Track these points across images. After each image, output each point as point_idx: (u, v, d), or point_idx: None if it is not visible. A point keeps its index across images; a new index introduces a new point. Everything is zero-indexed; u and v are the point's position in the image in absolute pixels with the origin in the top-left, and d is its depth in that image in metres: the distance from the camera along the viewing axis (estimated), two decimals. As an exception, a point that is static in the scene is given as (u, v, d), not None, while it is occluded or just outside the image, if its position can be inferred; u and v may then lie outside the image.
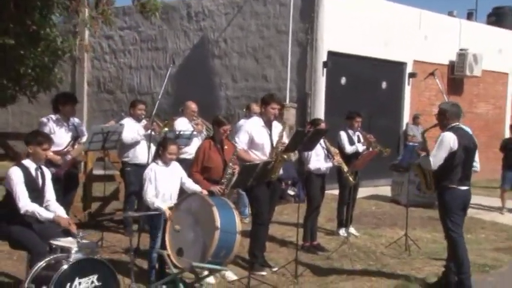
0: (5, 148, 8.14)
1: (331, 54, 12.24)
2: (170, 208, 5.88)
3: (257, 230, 6.64)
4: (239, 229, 5.73)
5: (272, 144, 6.71)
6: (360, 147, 8.44)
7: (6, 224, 5.23)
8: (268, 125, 6.78)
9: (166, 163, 5.99)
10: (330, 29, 12.13)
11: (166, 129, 7.84)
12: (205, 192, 5.95)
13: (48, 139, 5.46)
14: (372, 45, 12.84)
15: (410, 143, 11.87)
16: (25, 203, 5.15)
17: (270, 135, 6.76)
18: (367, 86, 13.06)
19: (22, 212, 5.14)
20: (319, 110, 12.12)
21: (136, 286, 5.60)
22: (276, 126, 6.86)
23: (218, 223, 5.51)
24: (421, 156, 6.12)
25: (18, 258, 6.37)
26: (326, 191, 8.05)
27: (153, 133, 7.55)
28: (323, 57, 12.16)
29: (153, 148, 6.94)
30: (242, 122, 8.19)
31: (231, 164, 6.31)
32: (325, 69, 12.20)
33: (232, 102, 12.88)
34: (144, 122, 7.89)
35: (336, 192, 8.70)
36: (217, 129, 6.44)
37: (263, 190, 6.57)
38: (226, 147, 6.46)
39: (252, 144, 6.69)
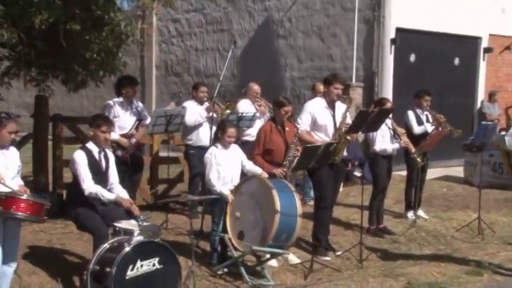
0: (75, 132, 8.33)
1: (399, 30, 11.76)
2: (230, 191, 5.83)
3: (320, 213, 6.48)
4: (300, 212, 5.65)
5: (335, 125, 6.50)
6: (429, 127, 8.05)
7: (73, 206, 5.34)
8: (331, 105, 6.57)
9: (226, 146, 5.93)
10: (398, 5, 11.65)
11: (228, 111, 7.78)
12: (265, 174, 5.87)
13: (106, 121, 5.51)
14: (443, 19, 12.23)
15: (486, 122, 11.26)
16: (89, 185, 5.23)
17: (333, 116, 6.54)
18: (438, 63, 12.48)
19: (86, 193, 5.22)
20: (387, 89, 11.71)
21: (198, 268, 5.60)
22: (339, 106, 6.64)
23: (278, 206, 5.45)
24: (498, 135, 5.75)
25: (87, 240, 6.50)
26: (394, 172, 7.80)
27: (214, 115, 7.51)
28: (391, 34, 11.71)
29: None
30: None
31: (292, 146, 6.18)
32: (393, 46, 11.75)
33: (297, 82, 12.67)
34: (206, 104, 7.85)
35: (404, 173, 8.37)
36: (278, 110, 6.31)
37: (326, 172, 6.39)
38: (287, 128, 6.34)
39: (314, 125, 6.51)
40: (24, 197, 4.52)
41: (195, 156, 7.70)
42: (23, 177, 5.11)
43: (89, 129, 5.41)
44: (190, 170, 7.92)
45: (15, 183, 4.72)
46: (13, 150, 4.85)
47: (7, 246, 4.66)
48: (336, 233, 7.32)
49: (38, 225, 6.82)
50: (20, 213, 4.44)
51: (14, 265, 4.81)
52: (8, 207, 4.41)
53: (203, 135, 7.73)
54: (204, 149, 7.43)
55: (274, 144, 6.23)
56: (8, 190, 4.51)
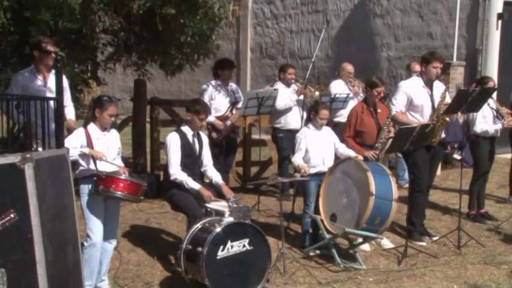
0: (171, 115, 8.62)
1: (507, 4, 11.07)
2: (322, 174, 5.79)
3: (415, 197, 6.30)
4: (396, 196, 5.55)
5: (433, 105, 6.26)
6: (538, 107, 7.55)
7: (168, 187, 5.51)
8: (429, 85, 6.33)
9: (318, 127, 5.91)
10: (506, -24, 10.95)
11: (317, 93, 7.71)
12: (361, 157, 5.80)
13: (205, 109, 5.62)
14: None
15: None
16: (175, 170, 5.38)
17: (431, 96, 6.31)
18: (551, 38, 11.62)
19: (171, 178, 5.38)
20: (492, 68, 11.08)
21: (288, 250, 5.65)
22: (438, 86, 6.38)
23: (373, 189, 5.39)
24: None
25: (182, 220, 6.75)
26: (498, 155, 7.42)
27: (304, 98, 7.49)
28: (498, 8, 11.03)
29: (304, 114, 6.89)
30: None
31: (385, 128, 6.05)
32: (500, 21, 11.07)
33: (394, 63, 12.30)
34: (294, 86, 7.83)
35: (509, 156, 7.93)
36: (370, 91, 6.19)
37: (422, 155, 6.20)
38: (379, 110, 6.20)
39: (410, 106, 6.30)
40: (123, 177, 4.74)
41: (284, 139, 7.73)
42: (123, 159, 5.36)
43: (186, 114, 5.54)
44: (279, 152, 7.96)
45: (115, 163, 4.94)
46: (114, 132, 5.09)
47: (108, 223, 4.92)
48: (433, 217, 7.09)
49: (136, 204, 7.15)
50: (118, 193, 4.67)
51: (114, 242, 5.07)
52: (108, 186, 4.64)
53: (292, 119, 7.73)
54: (293, 132, 7.46)
55: (366, 126, 6.14)
56: (110, 169, 4.75)
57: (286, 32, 14.77)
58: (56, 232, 3.48)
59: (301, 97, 7.63)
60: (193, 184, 5.34)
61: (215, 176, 5.59)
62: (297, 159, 5.88)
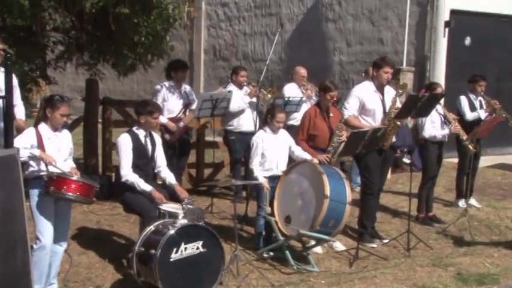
0: (124, 115, 8.51)
1: (454, 12, 11.42)
2: (275, 177, 5.84)
3: (367, 200, 6.43)
4: (349, 199, 5.64)
5: (384, 110, 6.41)
6: (482, 114, 7.81)
7: (121, 189, 5.45)
8: (381, 89, 6.47)
9: (274, 131, 5.96)
10: (453, -14, 11.30)
11: (269, 96, 7.77)
12: (316, 160, 5.88)
13: (157, 108, 5.60)
14: (501, 0, 11.79)
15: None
16: (126, 172, 5.33)
17: (383, 100, 6.45)
18: (496, 46, 12.06)
19: (123, 180, 5.33)
20: (439, 74, 11.42)
21: (242, 253, 5.66)
22: (389, 91, 6.53)
23: (328, 191, 5.45)
24: None
25: (134, 221, 6.67)
26: (445, 159, 7.63)
27: (257, 100, 7.52)
28: (445, 16, 11.38)
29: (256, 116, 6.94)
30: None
31: (337, 132, 6.16)
32: (447, 29, 11.41)
33: (346, 67, 12.52)
34: (246, 89, 7.86)
35: (456, 160, 8.18)
36: (324, 95, 6.28)
37: (374, 158, 6.33)
38: (332, 114, 6.30)
39: (362, 110, 6.43)
40: (75, 178, 4.67)
41: (236, 142, 7.76)
42: (75, 160, 5.27)
43: (138, 117, 5.47)
44: (232, 155, 7.97)
45: (67, 165, 4.88)
46: (65, 132, 5.00)
47: (58, 226, 4.83)
48: (383, 220, 7.24)
49: (87, 206, 7.01)
50: (70, 194, 4.60)
51: (64, 244, 4.98)
52: (59, 187, 4.57)
53: (244, 121, 7.76)
54: (245, 135, 7.54)
55: (319, 130, 6.22)
56: (61, 170, 4.66)
57: (240, 34, 14.83)
58: (5, 234, 3.39)
59: (254, 99, 7.66)
60: (144, 186, 5.30)
61: (169, 176, 5.56)
62: (256, 170, 5.89)
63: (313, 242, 5.93)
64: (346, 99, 6.57)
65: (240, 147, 7.67)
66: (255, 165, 5.89)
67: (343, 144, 6.07)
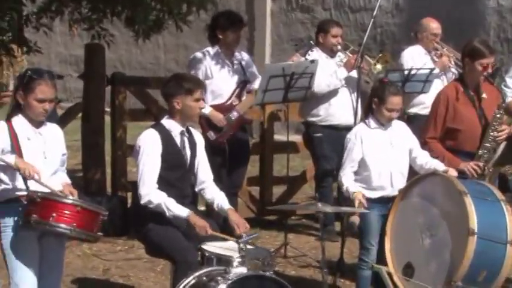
0: (146, 101, 8.62)
1: None
2: (387, 200, 5.82)
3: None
4: (512, 236, 5.50)
5: None
6: None
7: (143, 218, 5.51)
8: None
9: (384, 124, 5.92)
10: None
11: (379, 67, 7.70)
12: (453, 172, 5.80)
13: (199, 84, 5.65)
14: None
15: None
16: (149, 189, 5.37)
17: None
18: None
19: (143, 202, 5.38)
20: None
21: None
22: None
23: (475, 224, 5.35)
24: None
25: (162, 270, 6.77)
26: None
27: (358, 75, 7.45)
28: None
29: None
30: None
31: (495, 125, 6.05)
32: None
33: (508, 18, 12.28)
34: (340, 56, 7.84)
35: None
36: (471, 64, 6.15)
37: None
38: (484, 95, 6.19)
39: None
40: (70, 201, 4.73)
41: (325, 142, 7.76)
42: (70, 172, 5.38)
43: (171, 102, 5.51)
44: (318, 163, 7.97)
45: (57, 181, 4.96)
46: (54, 129, 5.08)
47: (45, 278, 4.90)
48: None
49: (89, 245, 7.15)
50: (63, 226, 4.65)
51: (54, 306, 5.07)
52: (46, 215, 4.62)
53: (338, 109, 7.76)
54: (340, 131, 7.51)
55: (463, 122, 6.13)
56: (46, 190, 4.74)
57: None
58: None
59: (354, 73, 7.62)
60: (177, 209, 5.34)
61: (218, 198, 5.61)
62: (346, 180, 5.88)
63: (452, 307, 5.83)
64: (508, 70, 6.42)
65: (330, 151, 7.66)
66: (346, 175, 5.88)
67: (502, 145, 5.93)
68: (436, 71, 8.05)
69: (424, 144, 6.13)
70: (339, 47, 7.88)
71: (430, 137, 6.19)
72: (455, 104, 6.15)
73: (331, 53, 7.88)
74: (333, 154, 7.61)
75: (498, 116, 6.08)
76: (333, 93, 7.75)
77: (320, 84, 7.64)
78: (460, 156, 6.08)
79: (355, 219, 5.82)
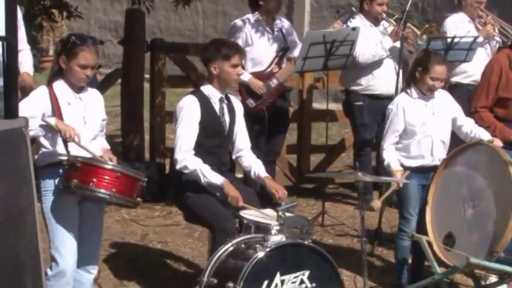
0: (185, 68, 8.64)
1: None
2: (429, 169, 5.78)
3: None
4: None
5: None
6: None
7: (181, 185, 5.53)
8: None
9: (426, 94, 5.88)
10: None
11: (425, 37, 7.62)
12: (499, 143, 5.79)
13: (238, 50, 5.62)
14: None
15: None
16: (184, 155, 5.38)
17: None
18: None
19: (178, 167, 5.40)
20: None
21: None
22: None
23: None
24: None
25: (200, 236, 6.83)
26: None
27: (405, 45, 7.41)
28: None
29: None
30: None
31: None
32: None
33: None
34: (384, 25, 7.80)
35: None
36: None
37: None
38: (536, 65, 6.11)
39: None
40: (109, 166, 4.76)
41: (366, 111, 7.73)
42: (109, 138, 5.43)
43: (209, 67, 5.51)
44: (358, 132, 7.95)
45: (97, 146, 4.99)
46: (94, 94, 5.11)
47: (85, 241, 4.96)
48: None
49: (128, 211, 7.24)
50: (102, 191, 4.68)
51: (94, 271, 5.11)
52: (86, 180, 4.65)
53: (381, 78, 7.72)
54: (381, 100, 7.50)
55: (515, 91, 6.11)
56: (87, 155, 4.78)
57: None
58: (7, 252, 3.51)
59: (397, 43, 7.56)
60: (212, 176, 5.35)
61: (255, 165, 5.62)
62: (388, 154, 5.87)
63: (493, 278, 5.82)
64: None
65: (371, 120, 7.65)
66: (388, 147, 5.88)
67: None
68: (480, 39, 7.94)
69: (474, 113, 6.12)
70: (384, 15, 7.82)
71: (482, 106, 6.17)
72: (508, 73, 6.11)
73: (376, 21, 7.83)
74: (373, 123, 7.64)
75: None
76: (377, 63, 7.71)
77: (365, 53, 7.61)
78: (510, 126, 6.06)
79: (376, 204, 5.83)
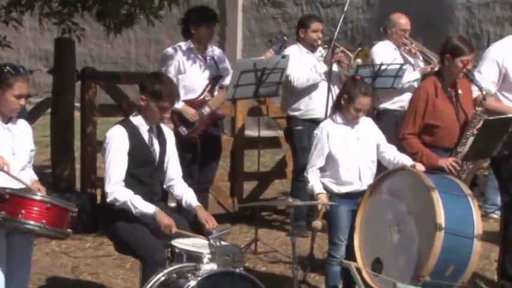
0: (116, 97, 8.62)
1: None
2: (356, 195, 5.90)
3: (512, 231, 6.36)
4: (479, 231, 5.58)
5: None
6: None
7: (112, 215, 5.53)
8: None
9: (350, 120, 5.98)
10: None
11: (359, 61, 7.75)
12: (421, 167, 5.84)
13: (171, 93, 5.57)
14: None
15: None
16: (114, 187, 5.39)
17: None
18: None
19: (108, 200, 5.41)
20: None
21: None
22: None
23: (442, 219, 5.41)
24: None
25: (131, 267, 6.80)
26: None
27: (338, 69, 7.55)
28: None
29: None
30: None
31: (475, 121, 6.08)
32: None
33: (477, 14, 12.36)
34: (321, 51, 7.90)
35: None
36: (452, 61, 6.13)
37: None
38: (460, 91, 6.21)
39: (504, 83, 6.41)
40: (39, 197, 4.75)
41: (305, 136, 7.77)
42: (37, 168, 5.39)
43: (139, 96, 5.57)
44: (296, 157, 8.02)
45: (25, 177, 4.98)
46: (23, 125, 5.12)
47: (13, 276, 4.93)
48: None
49: (58, 243, 7.18)
50: (31, 223, 4.66)
51: (22, 305, 5.10)
52: (15, 212, 4.64)
53: (318, 102, 7.80)
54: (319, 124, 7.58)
55: (442, 118, 6.14)
56: (16, 186, 4.77)
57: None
58: None
59: (335, 67, 7.76)
60: (143, 206, 5.36)
61: (186, 194, 5.64)
62: (312, 177, 5.94)
63: (421, 303, 5.91)
64: (478, 65, 6.51)
65: (310, 144, 7.68)
66: (312, 171, 5.95)
67: (471, 139, 5.99)
68: (406, 66, 8.13)
69: (402, 140, 6.17)
70: (319, 42, 7.96)
71: (409, 133, 6.19)
72: (435, 100, 6.17)
73: (312, 48, 7.98)
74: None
75: (478, 112, 6.11)
76: (313, 87, 7.84)
77: (299, 77, 7.75)
78: (437, 152, 6.11)
79: (317, 225, 5.91)
